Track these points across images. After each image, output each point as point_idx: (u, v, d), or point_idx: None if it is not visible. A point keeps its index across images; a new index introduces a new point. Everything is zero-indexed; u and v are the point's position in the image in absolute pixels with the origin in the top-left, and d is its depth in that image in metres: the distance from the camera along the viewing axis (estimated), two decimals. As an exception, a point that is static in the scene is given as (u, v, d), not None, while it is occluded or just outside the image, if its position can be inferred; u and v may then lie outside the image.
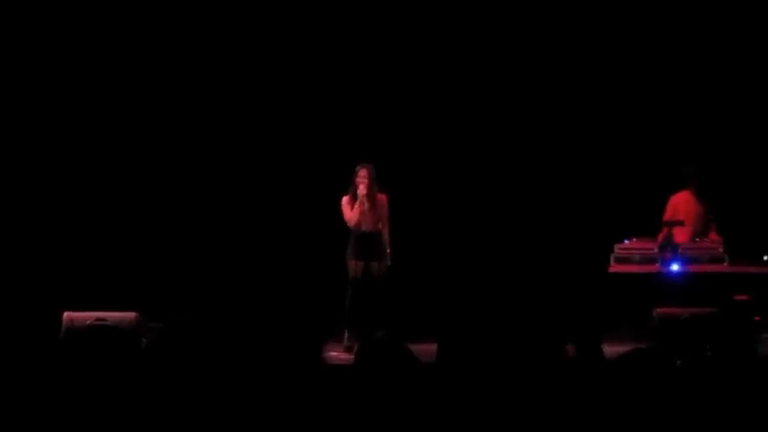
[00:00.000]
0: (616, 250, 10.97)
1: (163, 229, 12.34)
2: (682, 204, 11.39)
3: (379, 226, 10.23)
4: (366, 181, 10.08)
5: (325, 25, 12.45)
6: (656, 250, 10.92)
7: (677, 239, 11.18)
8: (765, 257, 10.96)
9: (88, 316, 8.53)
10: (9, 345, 5.91)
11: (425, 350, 5.32)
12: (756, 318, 10.25)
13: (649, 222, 11.43)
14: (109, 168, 12.39)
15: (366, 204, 10.13)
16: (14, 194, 12.14)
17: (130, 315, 8.68)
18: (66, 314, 8.63)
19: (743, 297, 10.41)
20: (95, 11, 12.24)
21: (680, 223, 11.24)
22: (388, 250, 10.24)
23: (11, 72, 12.18)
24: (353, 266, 10.20)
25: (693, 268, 10.74)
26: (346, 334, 10.03)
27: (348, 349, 9.75)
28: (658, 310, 9.11)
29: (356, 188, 10.12)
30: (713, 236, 11.27)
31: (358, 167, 10.17)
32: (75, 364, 5.16)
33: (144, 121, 12.45)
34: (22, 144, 12.24)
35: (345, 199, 10.21)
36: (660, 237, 11.19)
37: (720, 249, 10.86)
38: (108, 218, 12.29)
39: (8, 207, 12.08)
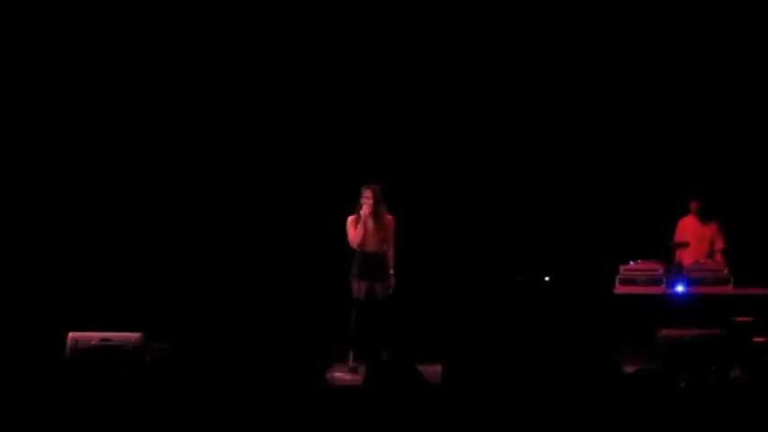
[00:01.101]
0: (621, 271, 10.97)
1: (168, 249, 12.34)
2: (687, 227, 11.48)
3: (384, 247, 10.23)
4: (370, 201, 10.10)
5: (335, 44, 12.46)
6: (660, 272, 10.93)
7: (683, 261, 11.25)
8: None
9: (93, 336, 8.52)
10: (15, 365, 5.92)
11: (429, 371, 5.32)
12: (761, 339, 10.23)
13: (653, 244, 11.45)
14: (114, 190, 12.40)
15: (370, 224, 10.14)
16: (20, 214, 12.15)
17: (135, 335, 8.67)
18: (70, 334, 8.62)
19: (745, 319, 10.40)
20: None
21: (684, 245, 11.30)
22: (391, 271, 10.23)
23: (14, 78, 12.21)
24: (357, 287, 10.19)
25: (698, 290, 10.75)
26: (350, 355, 10.01)
27: (353, 370, 9.73)
28: (663, 331, 9.09)
29: (360, 209, 10.14)
30: (718, 257, 11.30)
31: (363, 188, 10.18)
32: (79, 384, 5.17)
33: (150, 137, 12.45)
34: (28, 162, 12.26)
35: (351, 219, 10.22)
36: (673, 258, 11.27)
37: (725, 271, 10.87)
38: (113, 238, 12.29)
39: (13, 227, 12.10)
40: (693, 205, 11.45)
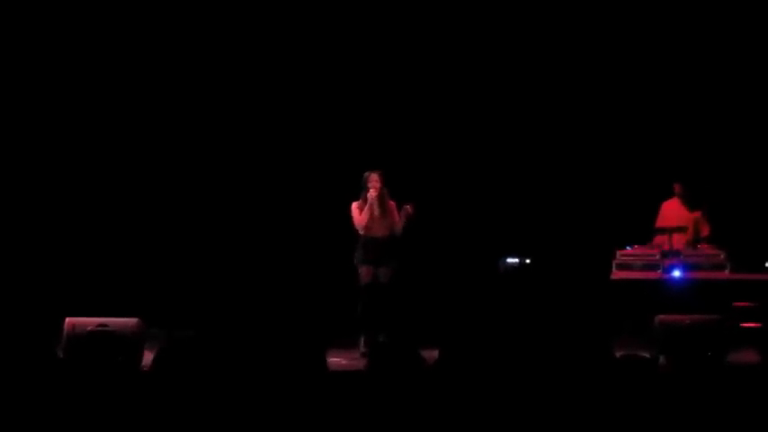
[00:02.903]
0: (618, 257, 10.97)
1: (166, 234, 12.34)
2: (671, 211, 11.42)
3: (390, 232, 10.19)
4: (378, 185, 10.07)
5: (335, 37, 12.47)
6: (658, 257, 10.93)
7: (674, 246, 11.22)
8: (767, 264, 10.96)
9: (90, 322, 8.49)
10: (11, 350, 5.90)
11: (428, 356, 5.32)
12: (758, 324, 10.25)
13: (649, 229, 11.48)
14: (111, 174, 12.39)
15: (376, 209, 10.11)
16: (17, 200, 12.14)
17: (132, 321, 8.64)
18: (67, 320, 8.61)
19: (743, 304, 10.41)
20: (95, 11, 12.23)
21: (682, 230, 11.27)
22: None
23: (14, 77, 12.19)
24: (364, 272, 10.17)
25: (695, 275, 10.74)
26: (362, 339, 10.00)
27: (365, 355, 9.70)
28: (660, 316, 9.09)
29: (366, 192, 10.10)
30: (703, 246, 11.26)
31: (368, 173, 10.16)
32: (76, 370, 5.16)
33: (144, 125, 12.45)
34: (25, 150, 12.25)
35: (355, 204, 10.19)
36: (656, 243, 11.21)
37: (722, 256, 10.87)
38: (110, 224, 12.29)
39: (11, 212, 12.09)
40: (677, 187, 11.41)
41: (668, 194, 11.53)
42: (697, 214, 11.40)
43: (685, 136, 12.37)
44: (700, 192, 11.41)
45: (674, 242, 11.18)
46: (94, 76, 12.33)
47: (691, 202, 11.41)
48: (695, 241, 11.28)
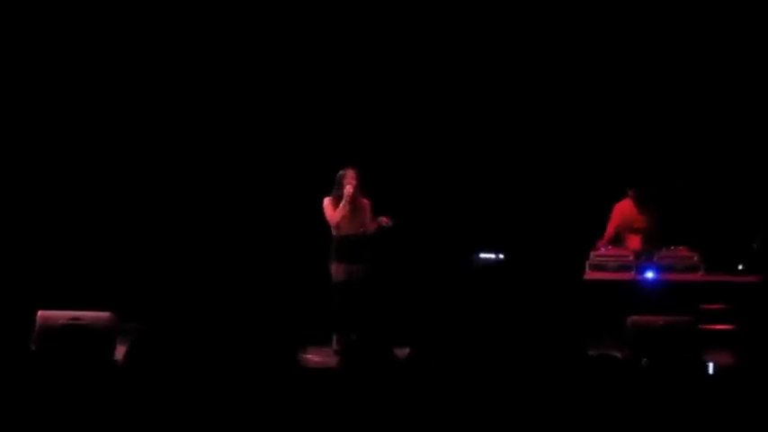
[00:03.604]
0: (591, 257, 11.00)
1: (139, 227, 12.30)
2: (625, 211, 11.43)
3: (361, 230, 10.19)
4: (354, 182, 10.06)
5: (314, 31, 12.44)
6: (631, 258, 10.96)
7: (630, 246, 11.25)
8: (740, 267, 11.01)
9: (62, 315, 8.46)
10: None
11: (400, 355, 5.33)
12: (730, 326, 10.30)
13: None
14: (84, 165, 12.33)
15: (348, 207, 10.10)
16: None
17: (105, 315, 8.61)
18: (39, 313, 8.57)
19: (714, 306, 10.46)
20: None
21: (639, 231, 11.31)
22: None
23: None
24: (336, 270, 10.16)
25: (669, 276, 10.78)
26: (335, 337, 10.00)
27: (337, 352, 9.72)
28: (632, 317, 9.12)
29: (341, 188, 10.08)
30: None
31: (343, 169, 10.14)
32: (48, 364, 5.13)
33: (123, 115, 12.40)
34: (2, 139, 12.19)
35: (328, 200, 10.17)
36: (603, 243, 11.21)
37: (695, 258, 10.90)
38: (83, 216, 12.23)
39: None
40: (631, 193, 11.40)
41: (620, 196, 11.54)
42: (651, 214, 11.39)
43: (664, 136, 12.42)
44: (653, 195, 11.44)
45: (630, 243, 11.24)
46: (77, 70, 12.27)
47: (644, 203, 11.40)
48: (649, 243, 11.26)
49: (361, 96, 12.51)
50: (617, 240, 11.35)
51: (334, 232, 10.18)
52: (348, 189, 10.06)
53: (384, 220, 10.12)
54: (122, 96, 12.38)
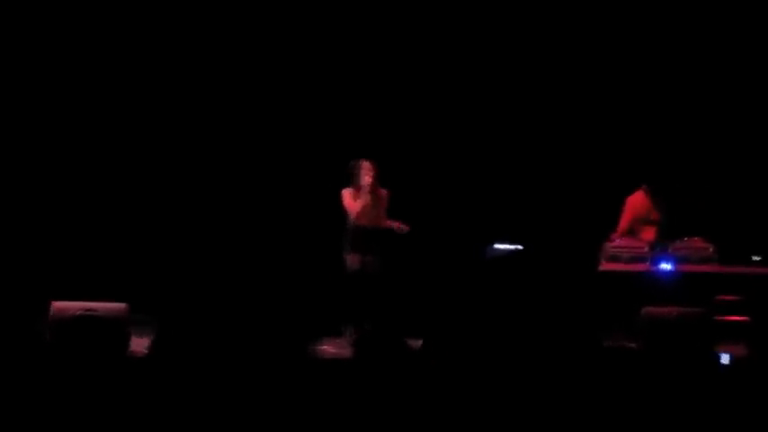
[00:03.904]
0: (606, 248, 10.97)
1: (153, 219, 12.31)
2: (640, 204, 11.38)
3: (379, 221, 10.19)
4: (371, 173, 10.07)
5: (321, 24, 12.43)
6: (646, 249, 10.93)
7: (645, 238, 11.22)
8: (755, 258, 10.98)
9: (76, 306, 8.47)
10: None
11: (415, 345, 5.32)
12: (745, 318, 10.28)
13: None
14: (98, 158, 12.35)
15: (367, 198, 10.10)
16: (2, 183, 12.10)
17: (119, 306, 8.62)
18: (53, 303, 8.58)
19: (728, 298, 10.43)
20: (95, 11, 12.19)
21: (654, 222, 11.27)
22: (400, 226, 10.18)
23: (7, 69, 12.15)
24: (351, 260, 10.17)
25: (683, 268, 10.75)
26: (350, 328, 10.01)
27: (352, 343, 9.70)
28: (646, 309, 9.10)
29: (358, 180, 10.08)
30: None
31: (359, 161, 10.14)
32: (61, 354, 5.14)
33: (129, 110, 12.40)
34: (9, 135, 12.20)
35: (346, 191, 10.17)
36: (617, 236, 11.17)
37: (711, 249, 10.87)
38: (97, 207, 12.25)
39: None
40: (645, 187, 11.33)
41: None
42: (663, 208, 11.34)
43: (679, 129, 12.39)
44: (666, 190, 11.39)
45: (644, 235, 11.21)
46: (76, 70, 12.27)
47: (658, 196, 11.35)
48: (662, 237, 11.22)
49: (374, 87, 12.49)
50: (631, 233, 11.31)
51: (351, 223, 10.17)
52: (367, 179, 10.07)
53: (399, 225, 10.14)
54: (137, 86, 12.38)
